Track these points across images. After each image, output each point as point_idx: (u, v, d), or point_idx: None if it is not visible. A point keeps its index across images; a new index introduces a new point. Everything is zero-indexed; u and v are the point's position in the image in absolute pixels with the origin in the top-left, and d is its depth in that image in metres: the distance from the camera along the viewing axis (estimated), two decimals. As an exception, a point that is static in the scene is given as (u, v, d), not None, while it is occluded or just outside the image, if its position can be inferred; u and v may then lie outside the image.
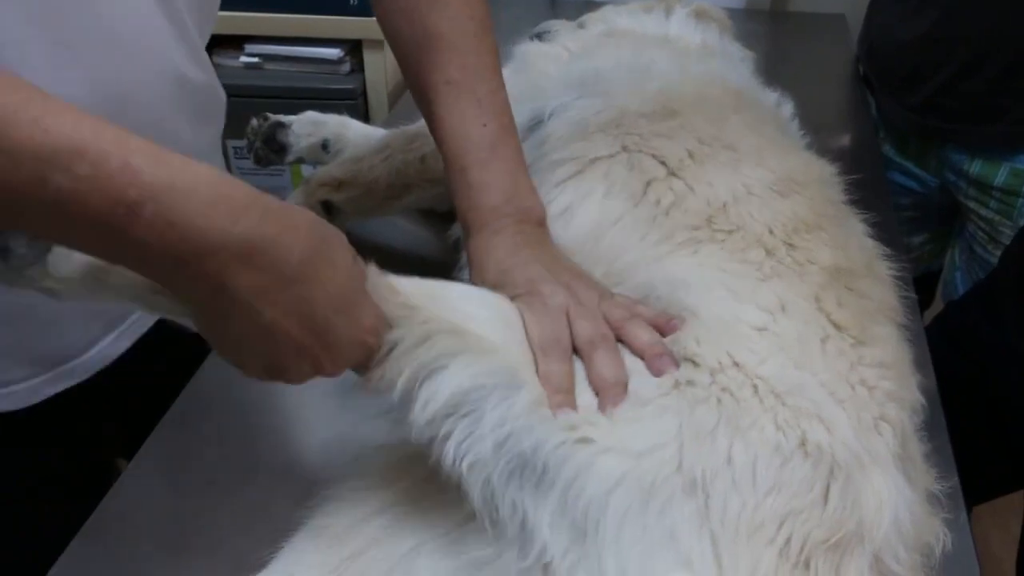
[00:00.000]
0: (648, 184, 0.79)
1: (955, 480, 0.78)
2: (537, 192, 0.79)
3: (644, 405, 0.61)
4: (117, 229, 0.50)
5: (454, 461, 0.58)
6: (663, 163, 0.81)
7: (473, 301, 0.68)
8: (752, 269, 0.71)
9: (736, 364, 0.62)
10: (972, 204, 1.39)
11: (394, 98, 1.59)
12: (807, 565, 0.56)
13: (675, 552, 0.55)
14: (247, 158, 1.22)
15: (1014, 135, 1.30)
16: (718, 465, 0.58)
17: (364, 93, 1.60)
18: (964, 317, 1.21)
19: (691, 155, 0.81)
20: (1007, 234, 1.34)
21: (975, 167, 1.35)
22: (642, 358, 0.65)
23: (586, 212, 0.80)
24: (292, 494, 0.67)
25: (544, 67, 1.03)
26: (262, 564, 0.62)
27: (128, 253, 0.52)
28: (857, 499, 0.59)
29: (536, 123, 0.93)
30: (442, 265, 1.02)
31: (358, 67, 1.61)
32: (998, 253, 1.34)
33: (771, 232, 0.74)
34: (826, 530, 0.57)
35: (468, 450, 0.58)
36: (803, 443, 0.59)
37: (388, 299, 0.63)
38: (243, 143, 1.20)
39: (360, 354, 0.61)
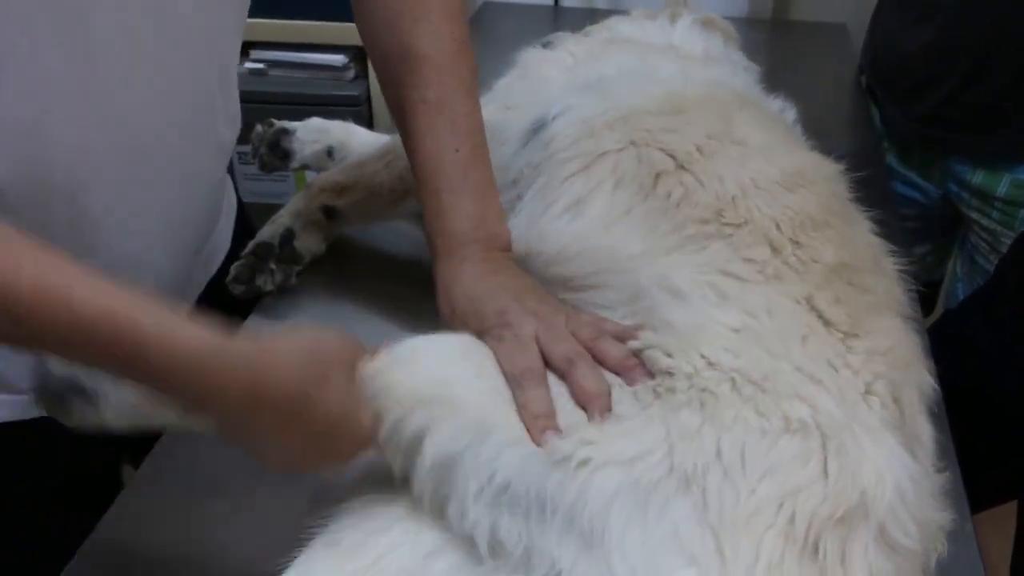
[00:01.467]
0: (657, 177, 0.80)
1: (960, 487, 0.79)
2: (504, 217, 0.83)
3: (630, 419, 0.63)
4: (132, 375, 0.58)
5: (458, 521, 0.60)
6: (672, 156, 0.81)
7: (444, 362, 0.69)
8: (755, 271, 0.72)
9: (711, 364, 0.64)
10: (974, 215, 1.39)
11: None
12: (815, 546, 0.57)
13: (679, 550, 0.56)
14: (252, 163, 1.22)
15: (1017, 145, 1.31)
16: (708, 460, 0.58)
17: (368, 99, 1.60)
18: (962, 325, 1.21)
19: (700, 149, 0.82)
20: (1008, 244, 1.34)
21: (977, 177, 1.36)
22: (616, 373, 0.67)
23: (595, 204, 0.81)
24: (303, 501, 0.68)
25: (547, 72, 1.03)
26: (274, 574, 0.62)
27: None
28: (856, 470, 0.59)
29: (539, 126, 0.94)
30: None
31: (362, 73, 1.61)
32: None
33: (778, 228, 0.75)
34: (830, 504, 0.58)
35: (466, 511, 0.60)
36: (786, 421, 0.60)
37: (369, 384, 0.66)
38: (248, 149, 1.21)
39: (366, 447, 0.66)
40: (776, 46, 1.86)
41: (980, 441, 1.09)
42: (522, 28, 1.43)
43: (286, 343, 0.63)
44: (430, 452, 0.62)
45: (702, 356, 0.64)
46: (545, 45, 1.13)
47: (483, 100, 1.01)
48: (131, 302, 0.56)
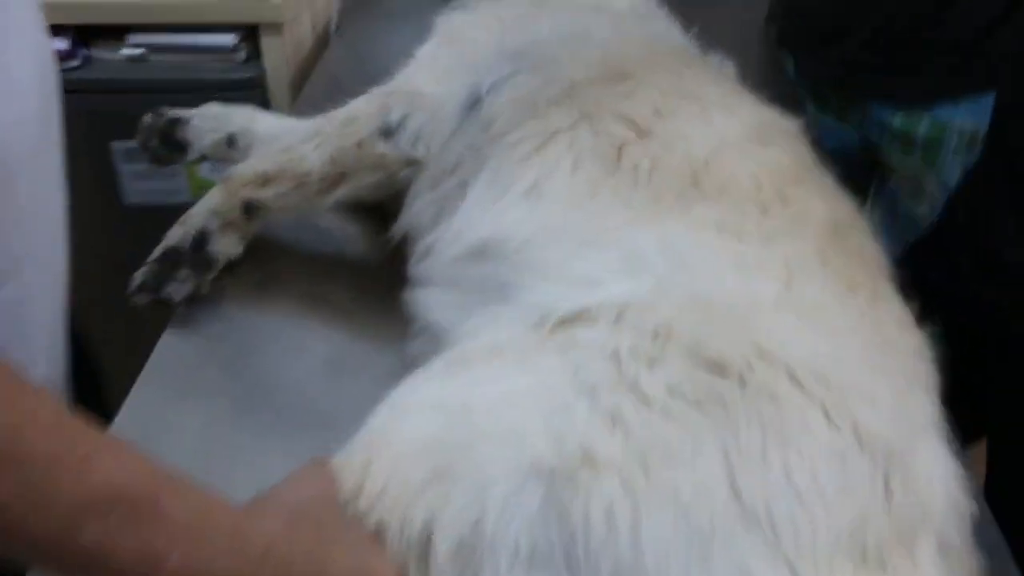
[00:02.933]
0: (621, 149, 0.74)
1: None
2: None
3: (675, 442, 0.55)
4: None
5: None
6: (631, 124, 0.76)
7: (419, 425, 0.60)
8: (752, 229, 0.66)
9: (763, 354, 0.57)
10: (895, 159, 1.39)
11: (297, 86, 1.49)
12: (883, 567, 0.52)
13: None
14: (140, 161, 1.10)
15: (934, 85, 1.30)
16: (777, 488, 0.52)
17: (263, 82, 1.49)
18: (909, 269, 1.21)
19: (658, 111, 0.76)
20: (932, 186, 1.34)
21: (897, 120, 1.35)
22: None
23: (556, 186, 0.75)
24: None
25: (475, 36, 0.96)
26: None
27: None
28: (916, 484, 0.55)
29: (475, 101, 0.87)
30: (374, 268, 0.95)
31: (254, 54, 1.50)
32: (922, 207, 1.35)
33: (760, 186, 0.70)
34: (895, 525, 0.53)
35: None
36: (856, 431, 0.54)
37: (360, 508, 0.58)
38: (134, 144, 1.10)
39: None
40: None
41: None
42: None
43: (260, 521, 0.55)
44: (442, 548, 0.55)
45: (752, 343, 0.57)
46: (456, 7, 1.05)
47: (410, 69, 0.93)
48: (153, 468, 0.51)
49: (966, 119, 1.29)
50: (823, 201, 0.71)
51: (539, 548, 0.53)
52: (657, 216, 0.69)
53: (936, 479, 0.56)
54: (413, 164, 0.89)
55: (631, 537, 0.52)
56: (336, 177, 0.91)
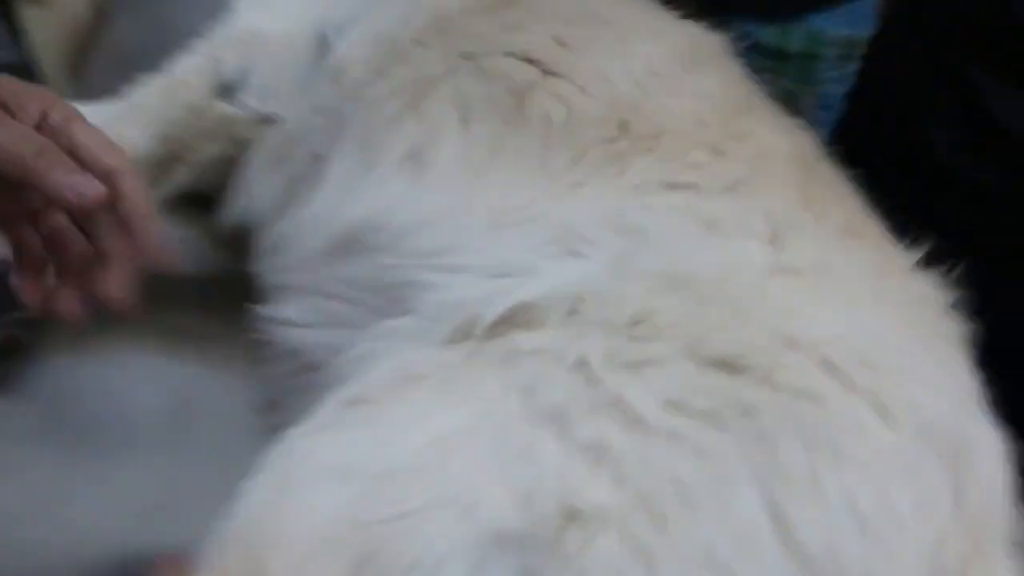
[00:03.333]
0: (522, 95, 0.59)
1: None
2: None
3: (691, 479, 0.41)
4: None
5: None
6: (529, 61, 0.60)
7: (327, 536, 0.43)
8: (709, 180, 0.53)
9: (783, 338, 0.43)
10: (768, 77, 1.31)
11: (76, 66, 1.24)
12: None
13: None
14: None
15: (801, -6, 1.23)
16: (839, 520, 0.39)
17: (30, 64, 1.24)
18: None
19: (561, 43, 0.61)
20: (810, 102, 1.27)
21: (768, 36, 1.26)
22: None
23: (443, 152, 0.58)
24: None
25: None
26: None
27: None
28: (983, 482, 0.43)
29: (322, 46, 0.69)
30: (225, 280, 0.76)
31: (16, 31, 1.24)
32: (800, 123, 1.28)
33: (704, 124, 0.57)
34: (972, 535, 0.42)
35: None
36: (919, 427, 0.42)
37: None
38: None
39: None
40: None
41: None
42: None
43: None
44: None
45: (771, 331, 0.43)
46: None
47: (241, 8, 0.75)
48: None
49: (842, 27, 1.22)
50: (778, 132, 0.59)
51: None
52: (586, 180, 0.55)
53: (998, 471, 0.45)
54: (269, 124, 0.69)
55: None
56: (171, 160, 0.71)
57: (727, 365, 0.42)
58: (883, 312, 0.46)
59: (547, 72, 0.59)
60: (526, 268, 0.50)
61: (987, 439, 0.45)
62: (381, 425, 0.45)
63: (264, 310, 0.62)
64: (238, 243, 0.72)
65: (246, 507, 0.43)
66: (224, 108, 0.71)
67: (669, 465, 0.40)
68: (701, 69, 0.61)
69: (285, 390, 0.60)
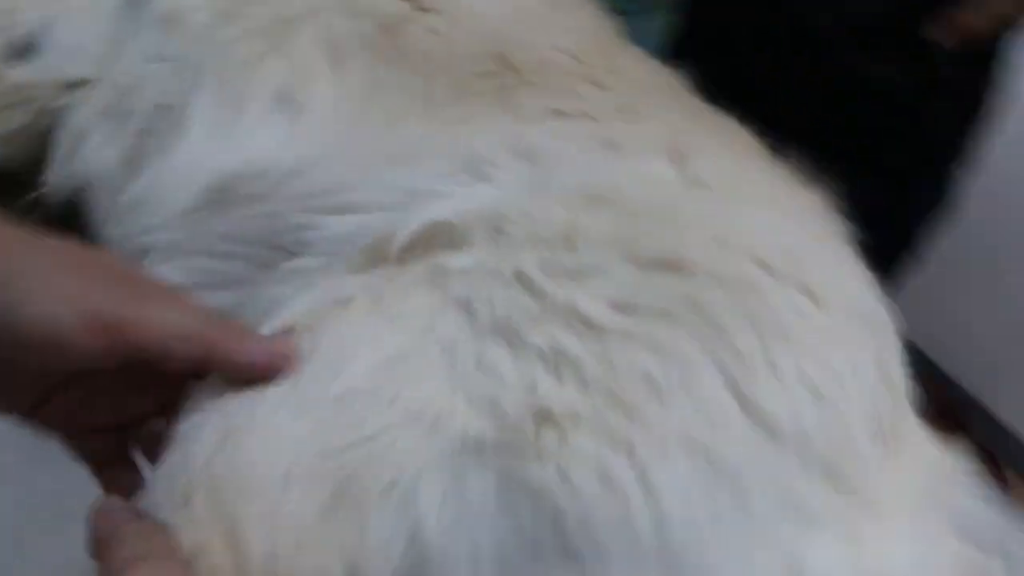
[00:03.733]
0: (395, 31, 0.57)
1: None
2: None
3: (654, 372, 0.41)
4: None
5: None
6: None
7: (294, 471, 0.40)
8: (600, 109, 0.54)
9: (716, 239, 0.45)
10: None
11: None
12: (899, 442, 0.45)
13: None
14: None
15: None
16: (796, 391, 0.42)
17: None
18: None
19: None
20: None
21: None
22: None
23: (318, 92, 0.56)
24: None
25: None
26: None
27: None
28: (895, 350, 0.48)
29: None
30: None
31: None
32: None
33: (579, 59, 0.58)
34: (893, 397, 0.46)
35: None
36: (845, 308, 0.45)
37: None
38: None
39: None
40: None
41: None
42: None
43: None
44: None
45: (695, 228, 0.45)
46: None
47: None
48: None
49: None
50: (647, 65, 0.61)
51: (510, 544, 0.39)
52: (474, 113, 0.54)
53: (898, 343, 0.49)
54: (80, 86, 0.62)
55: (643, 495, 0.39)
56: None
57: (668, 265, 0.43)
58: (786, 216, 0.49)
59: (418, 7, 0.59)
60: (433, 194, 0.49)
61: (889, 316, 0.49)
62: (322, 351, 0.42)
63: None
64: (70, 217, 0.64)
65: (196, 456, 0.39)
66: (20, 72, 0.64)
67: (630, 362, 0.41)
68: (566, 9, 0.63)
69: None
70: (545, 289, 0.43)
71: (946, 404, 1.56)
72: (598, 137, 0.51)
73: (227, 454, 0.39)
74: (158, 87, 0.60)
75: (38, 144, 0.66)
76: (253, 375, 0.41)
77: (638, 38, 0.77)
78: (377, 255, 0.46)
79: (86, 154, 0.62)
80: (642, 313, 0.42)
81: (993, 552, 0.45)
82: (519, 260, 0.44)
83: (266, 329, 0.44)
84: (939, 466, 0.47)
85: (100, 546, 0.37)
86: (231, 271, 0.53)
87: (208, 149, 0.56)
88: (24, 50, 0.63)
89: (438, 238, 0.46)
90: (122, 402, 0.44)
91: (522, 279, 0.43)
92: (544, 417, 0.40)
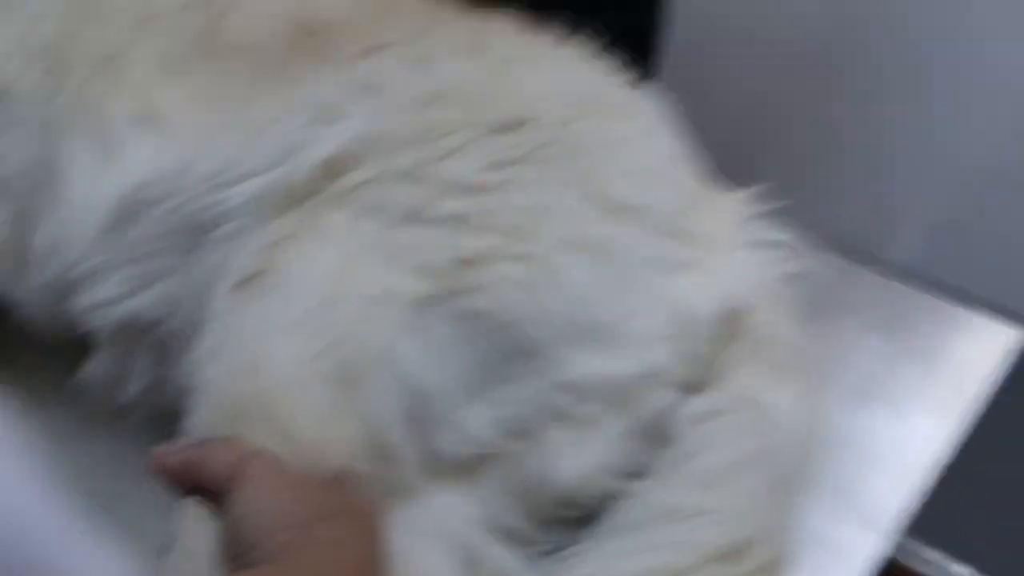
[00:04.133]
0: (207, 34, 0.66)
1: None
2: None
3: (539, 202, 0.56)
4: None
5: None
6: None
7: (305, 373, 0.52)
8: (397, 37, 0.64)
9: (541, 98, 0.59)
10: None
11: None
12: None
13: None
14: None
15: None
16: (639, 182, 0.57)
17: None
18: None
19: None
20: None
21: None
22: None
23: (165, 104, 0.63)
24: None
25: None
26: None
27: None
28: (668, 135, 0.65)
29: None
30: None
31: None
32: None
33: (361, 9, 0.67)
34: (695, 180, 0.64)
35: None
36: (643, 118, 0.62)
37: None
38: None
39: None
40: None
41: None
42: None
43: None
44: (397, 439, 0.52)
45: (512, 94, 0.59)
46: None
47: None
48: None
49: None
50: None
51: (481, 359, 0.52)
52: (305, 73, 0.63)
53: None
54: None
55: (550, 287, 0.53)
56: None
57: (511, 125, 0.57)
58: (573, 66, 0.64)
59: (217, 13, 0.67)
60: (308, 141, 0.59)
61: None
62: (286, 282, 0.53)
63: (74, 304, 0.63)
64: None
65: (223, 369, 0.49)
66: None
67: (509, 202, 0.55)
68: None
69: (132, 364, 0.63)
70: (428, 174, 0.55)
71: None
72: (409, 56, 0.63)
73: (247, 365, 0.50)
74: (17, 156, 0.66)
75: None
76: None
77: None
78: (288, 201, 0.57)
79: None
80: (505, 165, 0.55)
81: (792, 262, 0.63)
82: (398, 162, 0.56)
83: (222, 287, 0.54)
84: (742, 208, 0.63)
85: (193, 469, 0.47)
86: (159, 267, 0.61)
87: (96, 184, 0.62)
88: None
89: (330, 171, 0.57)
90: None
91: (407, 175, 0.55)
92: (464, 263, 0.53)
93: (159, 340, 0.61)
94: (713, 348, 0.56)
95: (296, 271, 0.53)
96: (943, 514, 0.83)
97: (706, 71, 1.42)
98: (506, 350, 0.52)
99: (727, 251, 0.60)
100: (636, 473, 0.55)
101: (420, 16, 0.69)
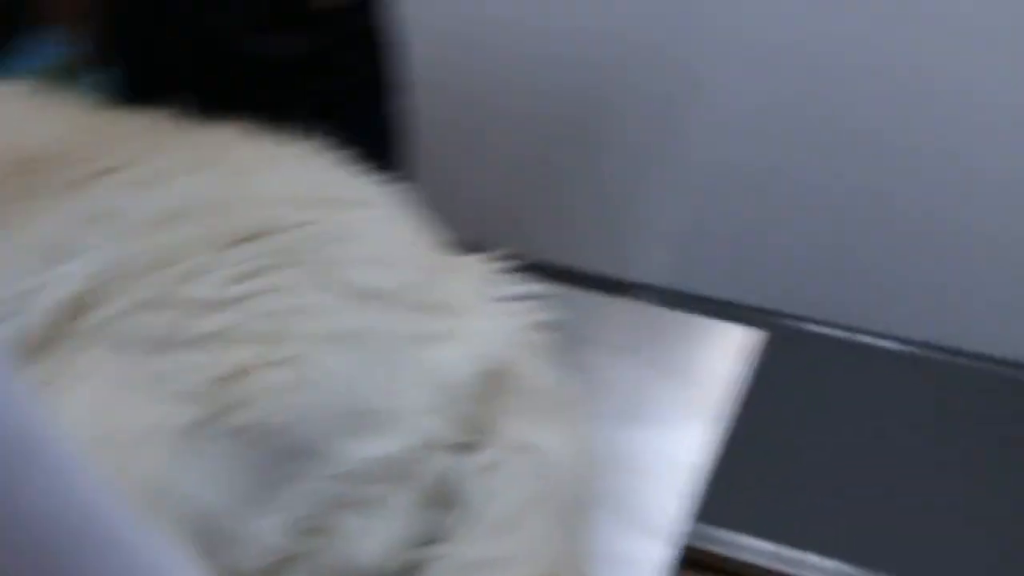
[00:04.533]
0: None
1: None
2: None
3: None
4: None
5: None
6: None
7: None
8: (123, 157, 0.65)
9: (271, 203, 0.61)
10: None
11: None
12: None
13: None
14: None
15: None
16: (372, 272, 0.60)
17: None
18: None
19: None
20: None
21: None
22: None
23: None
24: None
25: None
26: None
27: None
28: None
29: None
30: None
31: None
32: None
33: (78, 136, 0.68)
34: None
35: None
36: (375, 205, 0.64)
37: None
38: None
39: None
40: None
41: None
42: None
43: None
44: None
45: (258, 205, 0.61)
46: None
47: None
48: None
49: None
50: (124, 115, 0.73)
51: (262, 469, 0.53)
52: (35, 211, 0.63)
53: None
54: None
55: (313, 378, 0.55)
56: None
57: (251, 235, 0.59)
58: (302, 166, 0.67)
59: None
60: (44, 284, 0.58)
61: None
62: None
63: None
64: None
65: None
66: None
67: (264, 310, 0.57)
68: (40, 107, 0.72)
69: None
70: (173, 298, 0.56)
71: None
72: (139, 178, 0.64)
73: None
74: None
75: None
76: None
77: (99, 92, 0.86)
78: (34, 347, 0.56)
79: None
80: (248, 276, 0.57)
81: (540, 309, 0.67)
82: (142, 291, 0.56)
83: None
84: (483, 269, 0.68)
85: None
86: None
87: None
88: None
89: (74, 309, 0.57)
90: None
91: (152, 302, 0.56)
92: (224, 380, 0.54)
93: None
94: (481, 406, 0.60)
95: (57, 416, 0.52)
96: (733, 497, 0.91)
97: (460, 146, 1.53)
98: (281, 454, 0.53)
99: (477, 312, 0.64)
100: (434, 539, 0.58)
101: (146, 136, 0.70)
